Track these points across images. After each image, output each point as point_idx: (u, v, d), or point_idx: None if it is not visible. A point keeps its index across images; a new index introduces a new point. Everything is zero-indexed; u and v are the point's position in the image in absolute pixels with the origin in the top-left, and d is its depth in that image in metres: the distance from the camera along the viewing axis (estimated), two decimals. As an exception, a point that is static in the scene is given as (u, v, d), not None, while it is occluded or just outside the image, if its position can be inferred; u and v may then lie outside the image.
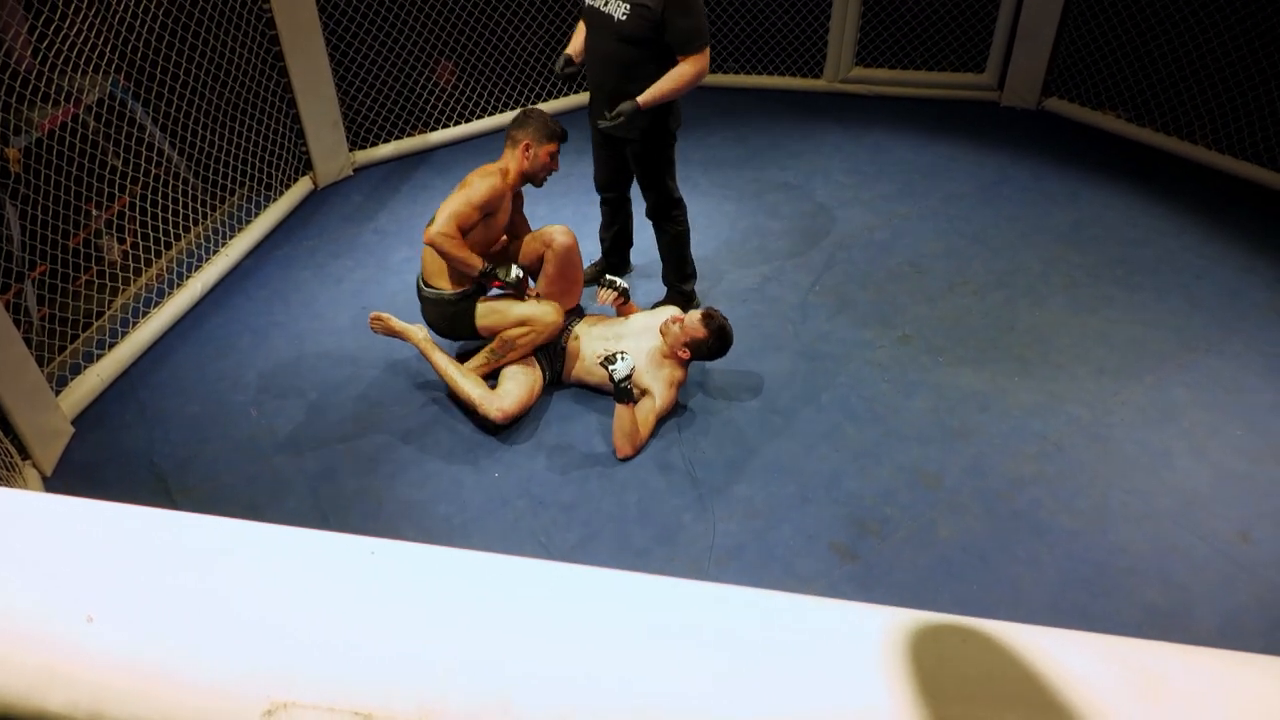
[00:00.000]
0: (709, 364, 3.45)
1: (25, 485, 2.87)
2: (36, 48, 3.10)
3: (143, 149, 3.73)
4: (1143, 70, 4.89)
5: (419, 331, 3.26)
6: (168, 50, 3.74)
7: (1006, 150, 4.96)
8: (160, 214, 3.82)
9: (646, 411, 3.10)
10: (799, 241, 4.24)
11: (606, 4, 3.07)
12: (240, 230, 4.18)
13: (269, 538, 0.55)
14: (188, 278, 3.87)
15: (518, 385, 3.19)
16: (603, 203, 3.78)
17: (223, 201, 4.20)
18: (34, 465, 2.99)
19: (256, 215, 4.28)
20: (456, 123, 5.15)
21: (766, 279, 3.98)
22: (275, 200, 4.40)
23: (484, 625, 0.51)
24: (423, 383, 3.42)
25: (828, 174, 4.79)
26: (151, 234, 3.80)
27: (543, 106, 5.27)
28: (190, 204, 4.00)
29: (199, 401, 3.36)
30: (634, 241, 3.96)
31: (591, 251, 3.90)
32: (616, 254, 3.95)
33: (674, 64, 3.09)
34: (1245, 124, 4.58)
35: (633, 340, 3.22)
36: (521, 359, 3.25)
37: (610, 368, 2.93)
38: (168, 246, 3.91)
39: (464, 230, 3.04)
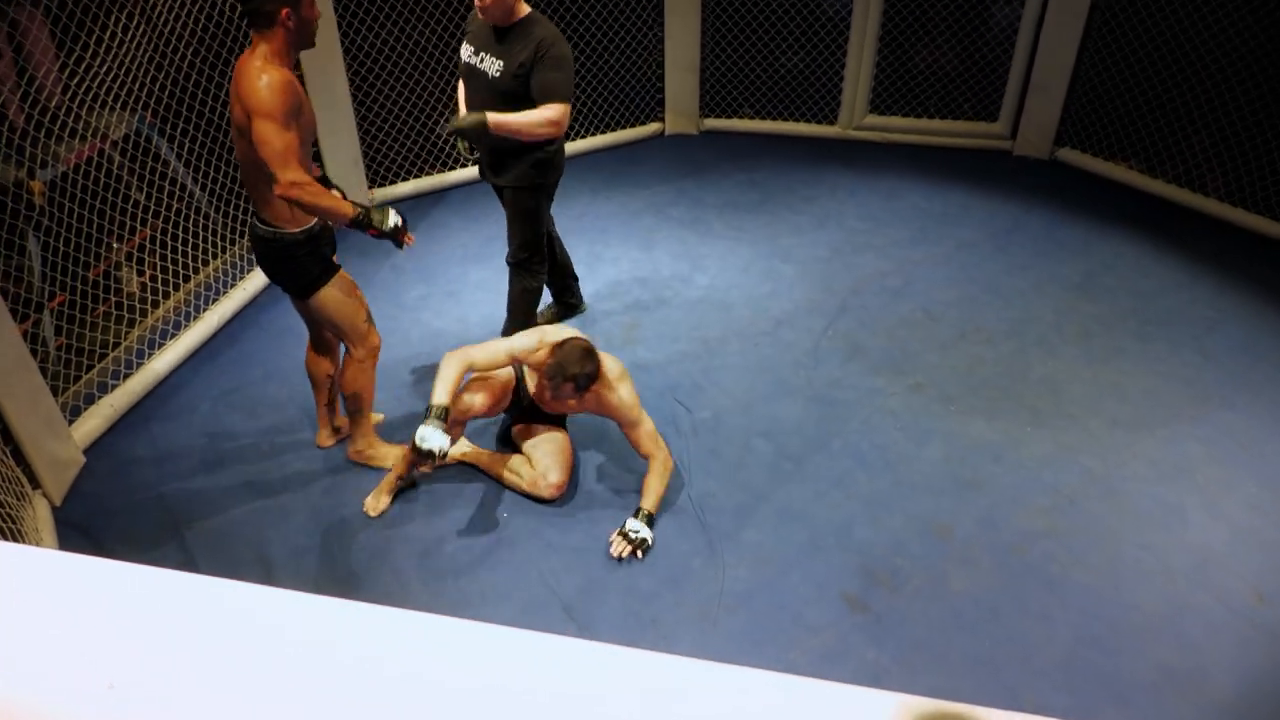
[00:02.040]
0: (722, 406, 3.45)
1: (35, 515, 2.88)
2: (66, 84, 3.17)
3: (165, 183, 3.79)
4: (1155, 122, 4.92)
5: (459, 449, 3.16)
6: (194, 88, 3.81)
7: (1019, 199, 4.98)
8: (180, 247, 3.87)
9: (648, 436, 2.97)
10: (812, 285, 4.25)
11: (481, 60, 3.10)
12: (258, 265, 4.22)
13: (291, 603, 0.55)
14: (204, 311, 3.91)
15: (549, 452, 3.07)
16: None
17: (242, 236, 4.25)
18: (44, 494, 2.99)
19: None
20: (475, 163, 5.20)
21: (779, 322, 3.99)
22: (293, 235, 4.44)
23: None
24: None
25: (841, 219, 4.82)
26: (170, 267, 3.85)
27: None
28: (210, 238, 4.05)
29: (210, 435, 3.37)
30: (577, 274, 3.96)
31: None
32: (565, 295, 3.94)
33: None
34: (1258, 177, 4.59)
35: None
36: (491, 404, 2.95)
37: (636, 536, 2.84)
38: (186, 279, 3.95)
39: (301, 161, 2.48)
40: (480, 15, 3.03)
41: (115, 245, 3.64)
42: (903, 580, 2.78)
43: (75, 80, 3.17)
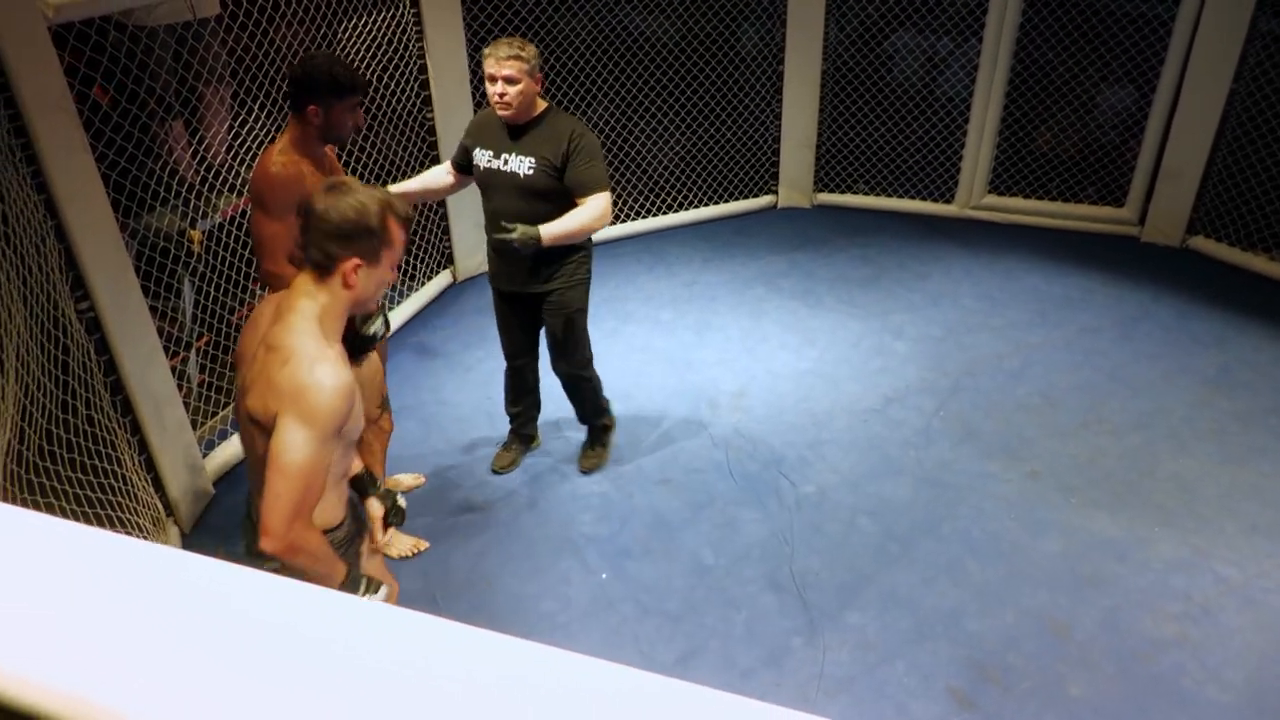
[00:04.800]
0: (827, 481, 3.39)
1: (167, 541, 3.05)
2: (231, 144, 3.45)
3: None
4: (1300, 213, 4.68)
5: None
6: (340, 150, 4.08)
7: (1147, 287, 4.79)
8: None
9: None
10: (924, 364, 4.17)
11: (505, 162, 2.93)
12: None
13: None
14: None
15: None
16: (511, 373, 3.43)
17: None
18: (175, 522, 3.17)
19: (399, 303, 4.54)
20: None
21: (889, 400, 3.92)
22: (417, 290, 4.66)
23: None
24: (537, 474, 3.48)
25: (956, 298, 4.73)
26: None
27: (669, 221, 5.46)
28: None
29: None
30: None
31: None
32: (528, 425, 3.58)
33: None
34: None
35: None
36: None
37: None
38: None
39: (287, 253, 2.46)
40: (501, 113, 2.85)
41: (259, 292, 3.90)
42: (1015, 679, 2.63)
43: (238, 140, 3.45)
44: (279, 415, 1.64)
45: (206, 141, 3.45)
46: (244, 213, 3.64)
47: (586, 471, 3.49)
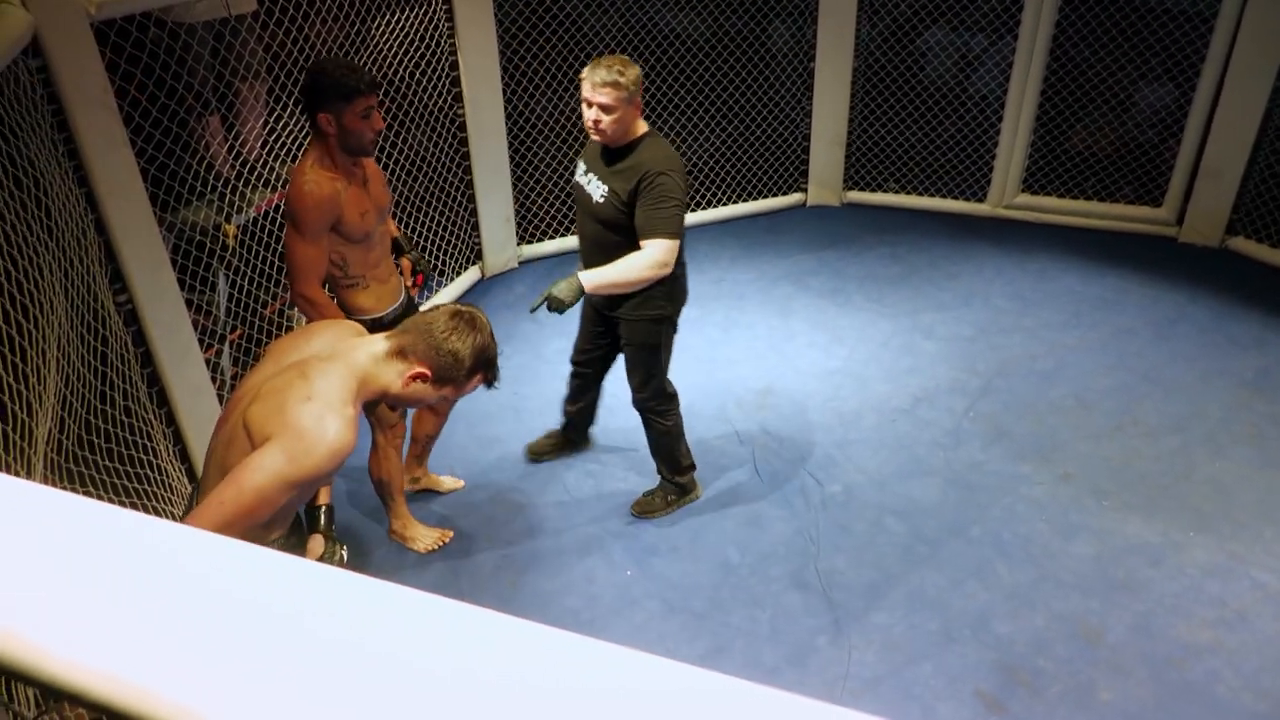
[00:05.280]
0: (854, 481, 3.37)
1: (199, 530, 3.09)
2: (266, 139, 3.50)
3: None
4: (1345, 214, 4.57)
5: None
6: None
7: (1184, 288, 4.70)
8: (345, 291, 4.15)
9: None
10: (954, 364, 4.12)
11: (589, 181, 2.81)
12: (412, 311, 4.47)
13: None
14: (361, 351, 4.15)
15: None
16: (573, 374, 3.38)
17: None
18: (208, 512, 3.21)
19: (427, 298, 4.57)
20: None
21: (918, 400, 3.88)
22: (446, 285, 4.69)
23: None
24: (564, 470, 3.49)
25: (987, 298, 4.68)
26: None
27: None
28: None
29: (353, 469, 3.55)
30: (598, 419, 3.58)
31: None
32: (578, 431, 3.54)
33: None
34: None
35: None
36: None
37: None
38: (347, 321, 4.22)
39: (321, 277, 2.54)
40: (594, 139, 2.73)
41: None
42: (1045, 683, 2.60)
43: (273, 136, 3.50)
44: (271, 439, 1.64)
45: (242, 137, 3.50)
46: (277, 208, 3.69)
47: (635, 512, 3.28)
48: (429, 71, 4.25)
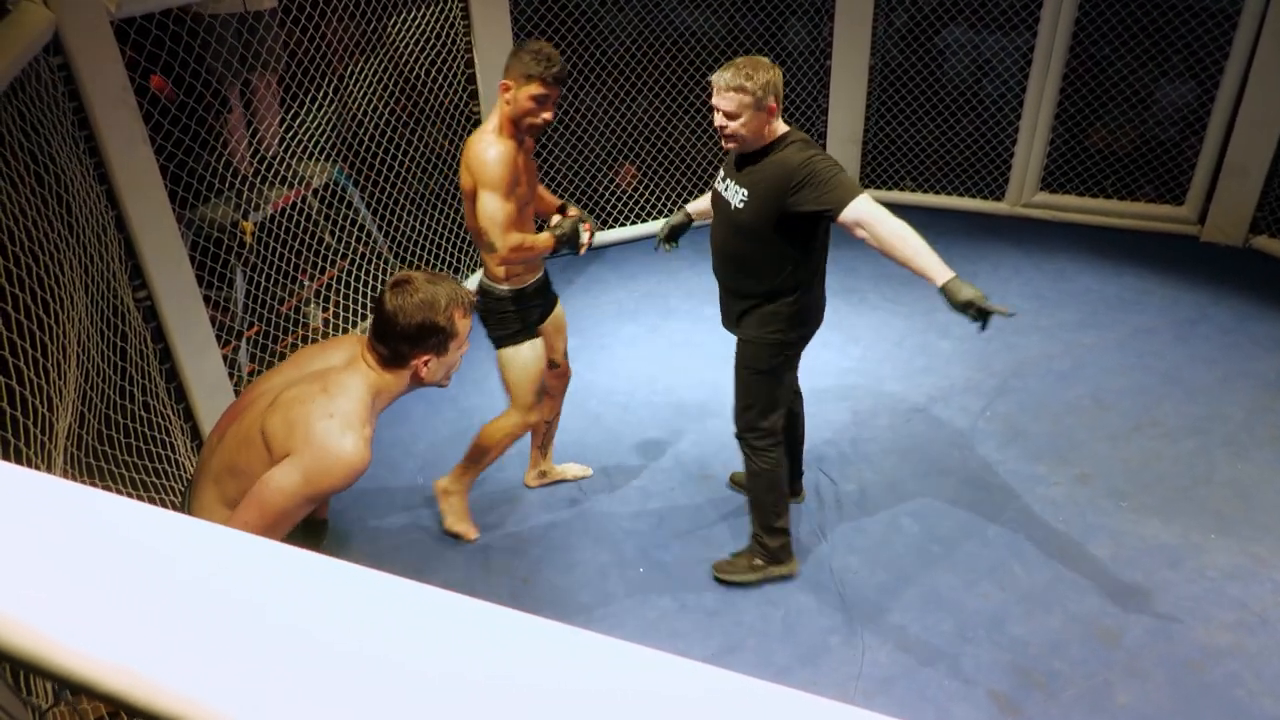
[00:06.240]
0: (868, 480, 3.35)
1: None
2: (283, 137, 3.52)
3: (353, 229, 4.11)
4: (1370, 213, 4.51)
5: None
6: (387, 144, 4.15)
7: (1206, 288, 4.65)
8: (360, 288, 4.18)
9: None
10: (970, 364, 4.10)
11: (726, 187, 2.61)
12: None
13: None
14: (376, 348, 4.17)
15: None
16: None
17: (415, 280, 4.54)
18: (225, 507, 3.24)
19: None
20: (633, 222, 5.38)
21: (933, 399, 3.86)
22: (464, 281, 4.70)
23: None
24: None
25: (1004, 297, 4.64)
26: (351, 305, 4.15)
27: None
28: (387, 280, 4.34)
29: (371, 464, 3.57)
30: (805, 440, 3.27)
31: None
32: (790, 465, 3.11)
33: (805, 252, 2.58)
34: None
35: None
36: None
37: None
38: (362, 318, 4.25)
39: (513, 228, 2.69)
40: (725, 145, 2.55)
41: (306, 283, 3.97)
42: (1061, 685, 2.58)
43: (290, 134, 3.52)
44: (290, 454, 1.68)
45: (260, 134, 3.52)
46: (294, 204, 3.71)
47: (715, 572, 2.98)
48: (444, 68, 4.26)
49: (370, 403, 1.79)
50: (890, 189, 5.73)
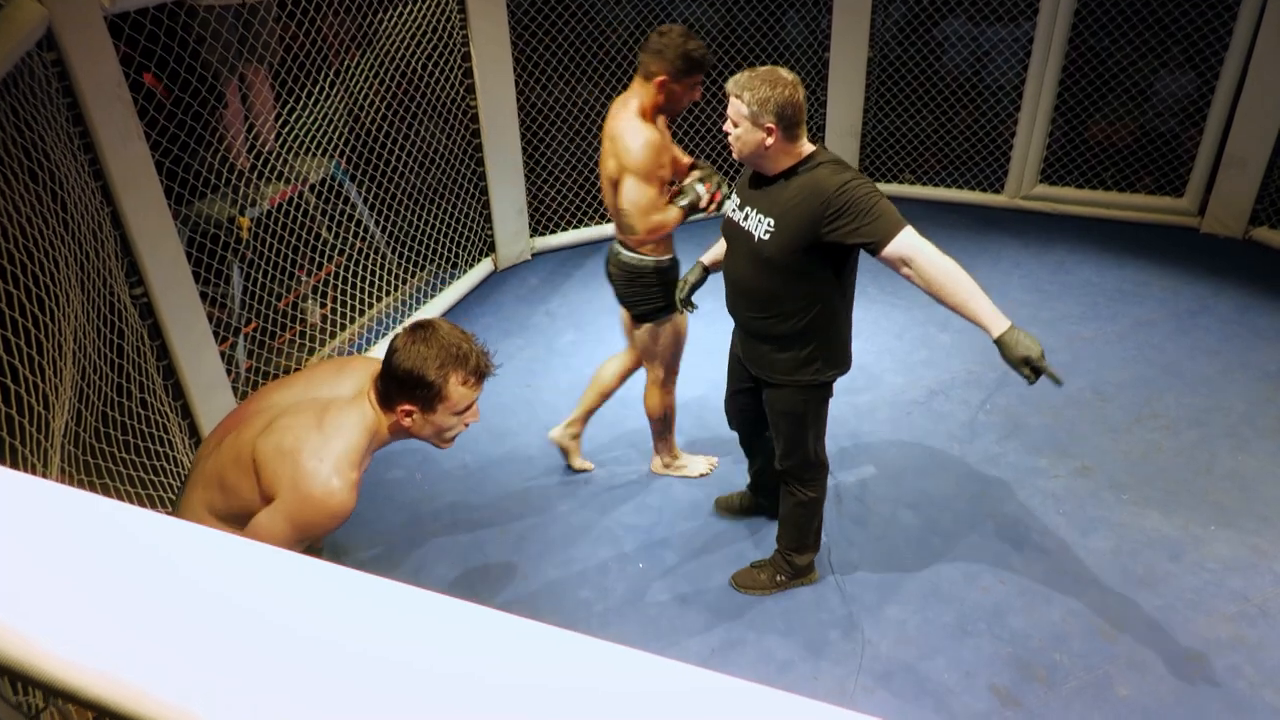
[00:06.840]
0: (868, 473, 3.35)
1: (214, 522, 3.11)
2: (280, 133, 3.50)
3: (350, 224, 4.10)
4: (1371, 203, 4.49)
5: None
6: (384, 138, 4.13)
7: (1206, 280, 4.64)
8: (358, 283, 4.16)
9: None
10: (970, 356, 4.09)
11: (745, 218, 2.39)
12: (425, 303, 4.48)
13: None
14: (374, 344, 4.17)
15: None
16: (730, 423, 3.00)
17: (413, 275, 4.53)
18: (223, 504, 3.23)
19: (441, 290, 4.58)
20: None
21: (933, 392, 3.85)
22: (459, 278, 4.69)
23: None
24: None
25: (1004, 290, 4.63)
26: (349, 301, 4.14)
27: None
28: (385, 276, 4.33)
29: (371, 464, 3.56)
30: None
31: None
32: (764, 494, 3.12)
33: (836, 285, 2.41)
34: None
35: None
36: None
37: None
38: (361, 313, 4.24)
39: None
40: (737, 156, 2.34)
41: (303, 279, 3.96)
42: (1062, 678, 2.57)
43: (287, 130, 3.50)
44: (277, 497, 1.69)
45: (256, 129, 3.50)
46: (291, 200, 3.69)
47: (734, 583, 2.92)
48: (440, 62, 4.24)
49: (364, 445, 1.78)
50: (890, 181, 5.71)
